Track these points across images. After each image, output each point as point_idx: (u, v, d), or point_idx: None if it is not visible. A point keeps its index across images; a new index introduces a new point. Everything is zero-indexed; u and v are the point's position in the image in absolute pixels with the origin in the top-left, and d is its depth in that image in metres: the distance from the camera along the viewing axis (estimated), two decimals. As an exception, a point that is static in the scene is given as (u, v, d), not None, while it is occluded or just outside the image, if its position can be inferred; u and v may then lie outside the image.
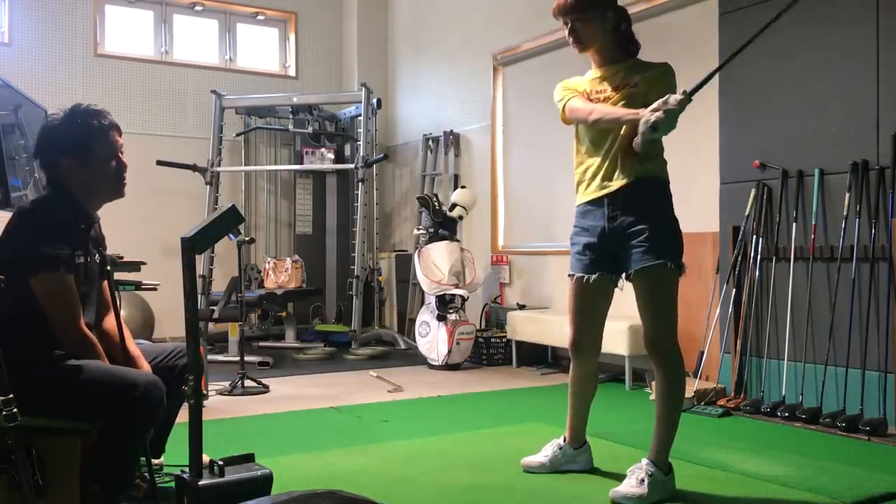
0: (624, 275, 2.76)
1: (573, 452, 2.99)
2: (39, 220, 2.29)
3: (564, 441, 3.00)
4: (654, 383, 4.48)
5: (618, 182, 2.71)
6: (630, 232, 2.69)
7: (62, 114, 2.40)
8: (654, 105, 2.52)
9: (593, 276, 2.78)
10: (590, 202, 2.78)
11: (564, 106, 2.80)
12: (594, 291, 2.81)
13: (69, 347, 2.29)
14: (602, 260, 2.76)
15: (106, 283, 2.54)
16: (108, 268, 2.51)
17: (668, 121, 2.51)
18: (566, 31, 2.79)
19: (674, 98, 2.51)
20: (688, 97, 2.53)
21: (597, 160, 2.77)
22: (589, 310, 2.86)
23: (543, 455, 2.99)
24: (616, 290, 2.88)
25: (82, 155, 2.35)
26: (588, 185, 2.79)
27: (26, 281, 2.24)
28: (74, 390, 2.21)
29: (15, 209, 2.42)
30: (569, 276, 2.85)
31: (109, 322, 2.55)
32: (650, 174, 2.72)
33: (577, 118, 2.77)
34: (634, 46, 2.85)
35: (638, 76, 2.74)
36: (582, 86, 2.84)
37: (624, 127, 2.68)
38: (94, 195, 2.43)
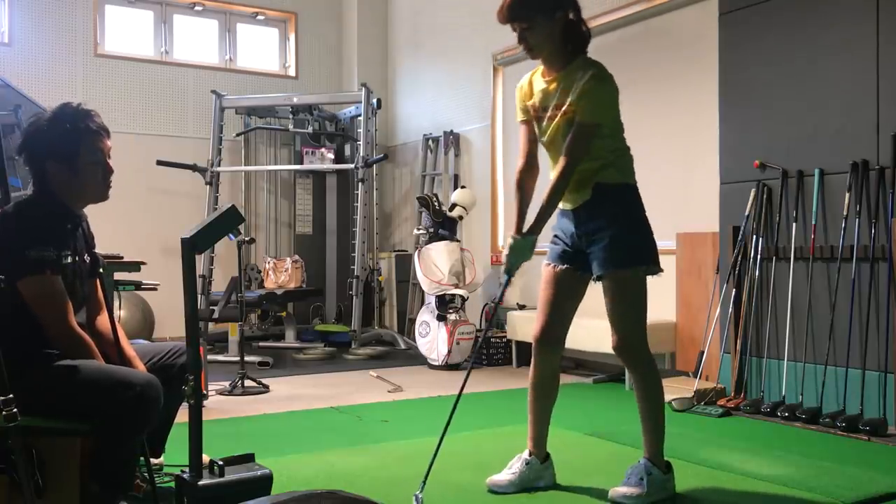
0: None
1: (540, 467, 2.82)
2: (24, 222, 2.28)
3: (530, 455, 2.82)
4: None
5: (581, 197, 2.72)
6: (593, 238, 2.70)
7: (49, 113, 2.37)
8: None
9: (560, 266, 2.77)
10: (562, 210, 2.81)
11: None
12: (561, 283, 2.78)
13: (62, 348, 2.29)
14: (572, 256, 2.76)
15: (98, 282, 2.53)
16: (101, 268, 2.50)
17: (510, 262, 2.73)
18: (518, 41, 2.69)
19: (508, 241, 2.76)
20: (523, 238, 2.73)
21: None
22: (557, 301, 2.79)
23: (510, 472, 2.80)
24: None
25: (70, 160, 2.33)
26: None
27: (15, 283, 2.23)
28: (70, 390, 2.21)
29: (1, 212, 2.40)
30: (545, 264, 2.84)
31: (103, 322, 2.53)
32: (608, 180, 2.69)
33: None
34: (581, 42, 2.70)
35: (571, 93, 2.64)
36: (532, 98, 2.80)
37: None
38: (79, 198, 2.41)
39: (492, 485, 2.80)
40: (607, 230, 2.66)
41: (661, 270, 2.73)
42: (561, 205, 2.78)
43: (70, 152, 2.33)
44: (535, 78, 2.83)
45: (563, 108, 2.66)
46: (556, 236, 2.83)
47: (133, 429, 2.23)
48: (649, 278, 2.73)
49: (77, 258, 2.39)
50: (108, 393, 2.19)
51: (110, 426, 2.20)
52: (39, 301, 2.25)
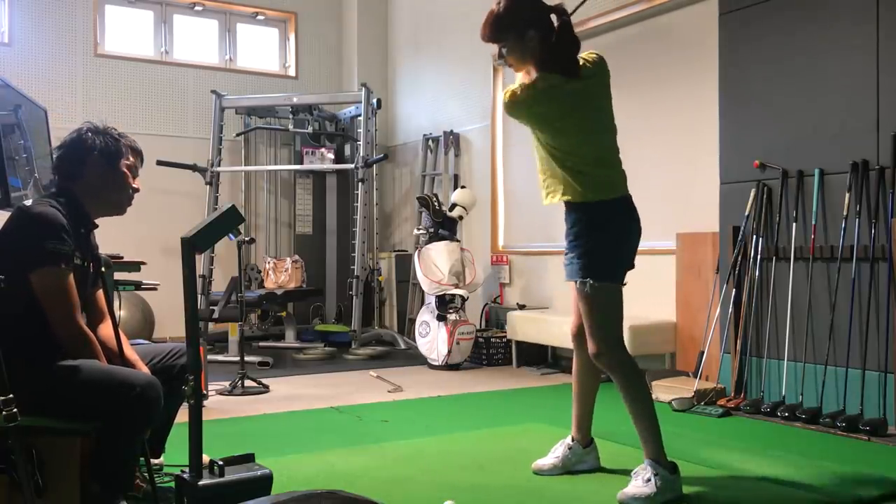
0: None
1: (582, 451, 2.99)
2: (43, 216, 2.30)
3: (573, 440, 3.00)
4: (654, 383, 4.50)
5: (555, 199, 2.82)
6: (567, 246, 2.84)
7: (99, 124, 2.51)
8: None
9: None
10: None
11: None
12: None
13: (66, 343, 2.30)
14: None
15: (101, 292, 2.56)
16: (103, 270, 2.52)
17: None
18: (499, 56, 2.80)
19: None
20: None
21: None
22: None
23: (554, 456, 2.98)
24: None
25: (111, 158, 2.46)
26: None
27: (26, 279, 2.24)
28: (72, 391, 2.22)
29: (16, 208, 2.43)
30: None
31: (106, 330, 2.55)
32: (573, 199, 2.77)
33: None
34: (561, 62, 2.72)
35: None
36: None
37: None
38: (101, 202, 2.49)
39: (537, 469, 2.97)
40: (572, 242, 2.80)
41: (622, 283, 2.77)
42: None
43: (113, 152, 2.47)
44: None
45: None
46: None
47: (134, 429, 2.24)
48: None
49: (85, 263, 2.42)
50: (109, 393, 2.20)
51: (111, 426, 2.21)
52: (50, 294, 2.27)
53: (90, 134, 2.47)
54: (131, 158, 2.53)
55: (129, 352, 2.49)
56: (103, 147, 2.46)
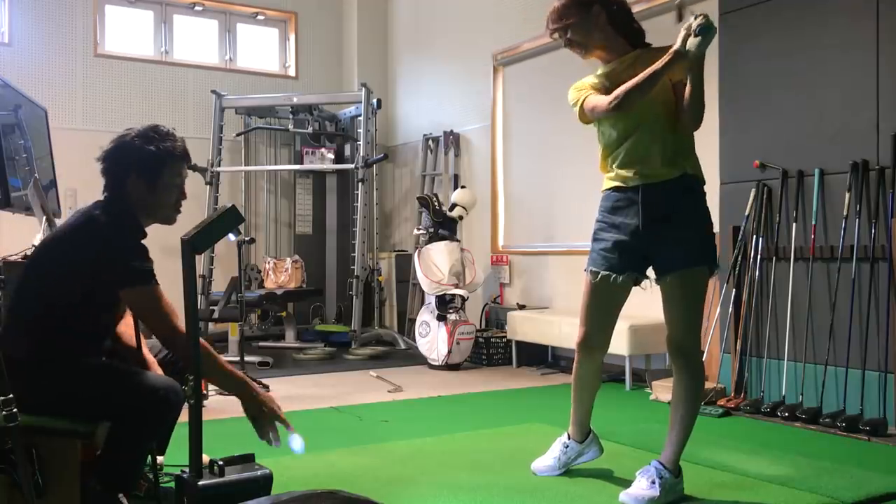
0: (655, 275, 2.72)
1: (580, 446, 2.97)
2: (123, 237, 2.32)
3: (569, 437, 2.98)
4: (654, 383, 4.51)
5: (676, 173, 2.65)
6: (670, 230, 2.66)
7: (140, 129, 2.41)
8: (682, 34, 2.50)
9: (622, 276, 2.72)
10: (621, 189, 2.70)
11: (581, 104, 2.67)
12: (620, 290, 2.76)
13: (178, 354, 2.34)
14: (633, 258, 2.71)
15: None
16: None
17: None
18: (565, 45, 2.74)
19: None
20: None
21: (639, 139, 2.67)
22: (609, 309, 2.81)
23: (551, 456, 2.98)
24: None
25: (152, 178, 2.39)
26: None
27: (52, 281, 2.27)
28: (94, 391, 2.24)
29: (86, 219, 2.36)
30: (592, 272, 2.74)
31: (125, 327, 2.56)
32: (700, 175, 2.70)
33: (599, 110, 2.61)
34: (640, 35, 2.76)
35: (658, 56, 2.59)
36: (599, 83, 2.73)
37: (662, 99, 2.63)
38: (149, 216, 2.47)
39: (536, 470, 2.98)
40: (686, 219, 2.70)
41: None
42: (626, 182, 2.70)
43: (154, 171, 2.39)
44: (600, 75, 2.75)
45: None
46: (613, 243, 2.78)
47: (151, 431, 2.27)
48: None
49: None
50: (131, 395, 2.22)
51: (129, 427, 2.22)
52: (150, 312, 2.29)
53: (132, 144, 2.38)
54: (174, 167, 2.43)
55: (146, 352, 2.52)
56: (140, 164, 2.36)
